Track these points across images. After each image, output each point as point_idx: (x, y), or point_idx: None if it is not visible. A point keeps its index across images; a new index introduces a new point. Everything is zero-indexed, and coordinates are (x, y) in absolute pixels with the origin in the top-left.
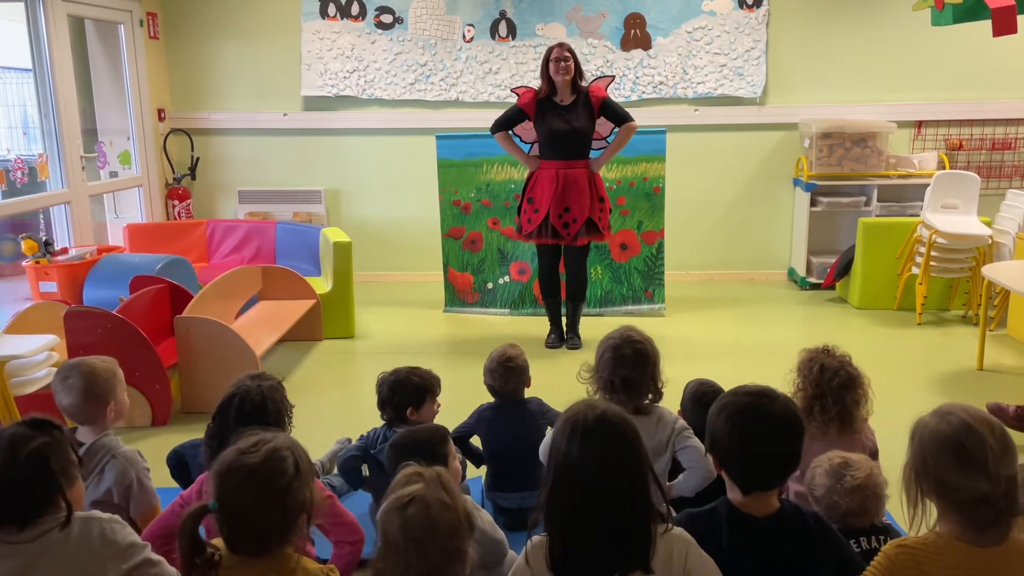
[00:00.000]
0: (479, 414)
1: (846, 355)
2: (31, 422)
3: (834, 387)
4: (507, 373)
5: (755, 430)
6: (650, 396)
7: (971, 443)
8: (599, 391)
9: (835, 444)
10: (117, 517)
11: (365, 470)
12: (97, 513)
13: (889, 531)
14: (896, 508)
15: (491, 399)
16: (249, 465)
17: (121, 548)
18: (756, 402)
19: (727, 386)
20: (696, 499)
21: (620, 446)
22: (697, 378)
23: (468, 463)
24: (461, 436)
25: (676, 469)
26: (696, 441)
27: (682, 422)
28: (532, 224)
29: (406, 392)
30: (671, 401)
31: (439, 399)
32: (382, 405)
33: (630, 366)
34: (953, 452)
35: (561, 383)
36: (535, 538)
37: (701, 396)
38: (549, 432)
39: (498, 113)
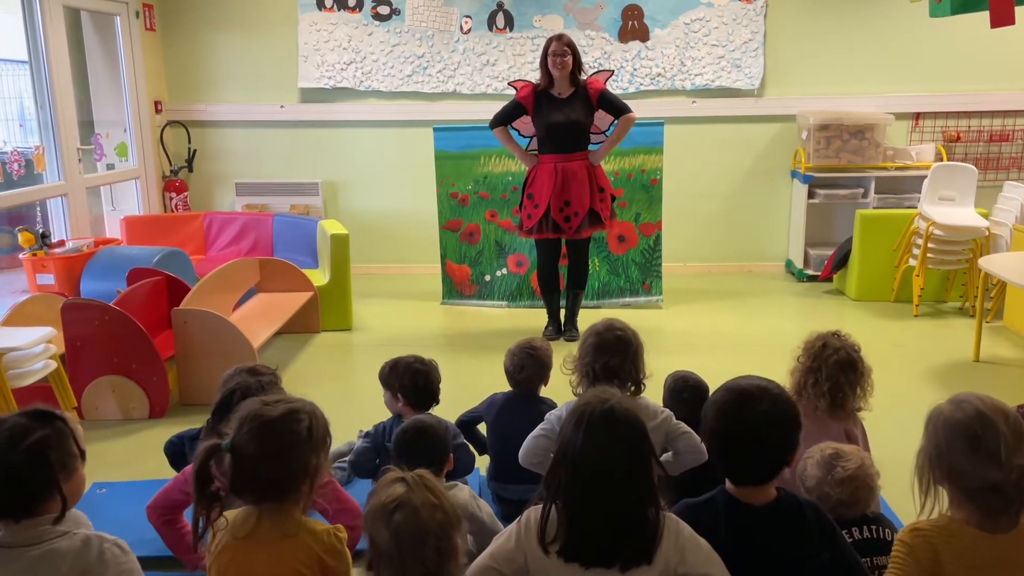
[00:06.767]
0: (490, 401)
1: (856, 344)
2: (33, 413)
3: (831, 363)
4: (526, 359)
5: (740, 427)
6: (631, 387)
7: (984, 431)
8: (581, 379)
9: (820, 425)
10: (121, 541)
11: None
12: (104, 534)
13: (881, 521)
14: (891, 498)
15: (490, 393)
16: (264, 417)
17: (113, 573)
18: (744, 400)
19: (722, 378)
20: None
21: (625, 439)
22: (677, 371)
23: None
24: (469, 422)
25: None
26: (685, 426)
27: (668, 412)
28: (532, 220)
29: (425, 377)
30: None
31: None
32: (417, 393)
33: (611, 353)
34: (965, 440)
35: (558, 375)
36: (535, 508)
37: (679, 391)
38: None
39: (496, 105)
